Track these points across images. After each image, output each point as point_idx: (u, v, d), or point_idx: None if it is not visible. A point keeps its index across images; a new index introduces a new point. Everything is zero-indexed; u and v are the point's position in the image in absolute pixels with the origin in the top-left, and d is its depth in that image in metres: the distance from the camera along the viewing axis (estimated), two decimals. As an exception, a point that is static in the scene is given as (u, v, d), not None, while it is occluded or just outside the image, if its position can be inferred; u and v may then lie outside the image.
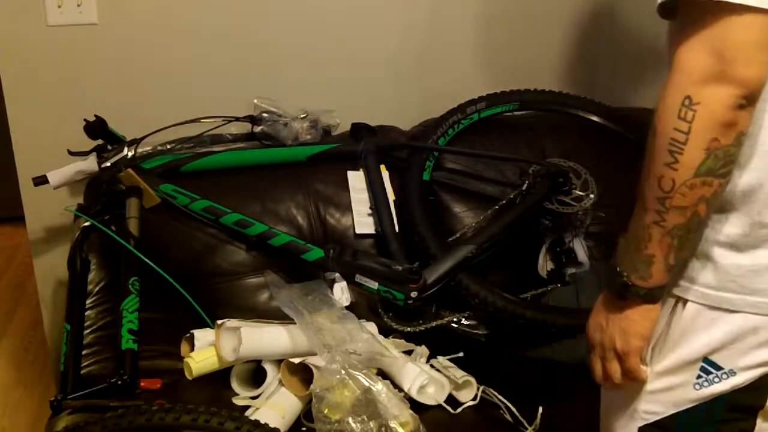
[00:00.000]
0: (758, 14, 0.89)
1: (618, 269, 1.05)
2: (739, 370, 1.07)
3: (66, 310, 1.64)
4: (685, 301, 1.07)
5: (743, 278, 1.04)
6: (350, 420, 1.40)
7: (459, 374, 1.65)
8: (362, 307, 1.77)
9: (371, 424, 1.41)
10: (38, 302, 2.13)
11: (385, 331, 1.73)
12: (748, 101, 0.92)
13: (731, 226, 1.03)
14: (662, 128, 0.94)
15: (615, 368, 1.10)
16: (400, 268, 1.67)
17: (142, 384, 1.46)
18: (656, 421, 1.12)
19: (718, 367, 1.07)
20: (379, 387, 1.46)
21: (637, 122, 2.04)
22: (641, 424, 1.14)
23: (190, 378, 1.57)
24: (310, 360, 1.52)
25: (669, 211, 0.97)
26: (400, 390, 1.56)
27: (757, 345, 1.05)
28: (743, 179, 1.01)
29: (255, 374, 1.61)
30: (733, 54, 0.89)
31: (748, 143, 0.98)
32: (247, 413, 1.47)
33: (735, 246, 1.04)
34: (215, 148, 1.91)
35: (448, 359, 1.72)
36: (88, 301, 1.71)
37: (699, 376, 1.08)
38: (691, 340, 1.08)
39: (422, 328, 1.72)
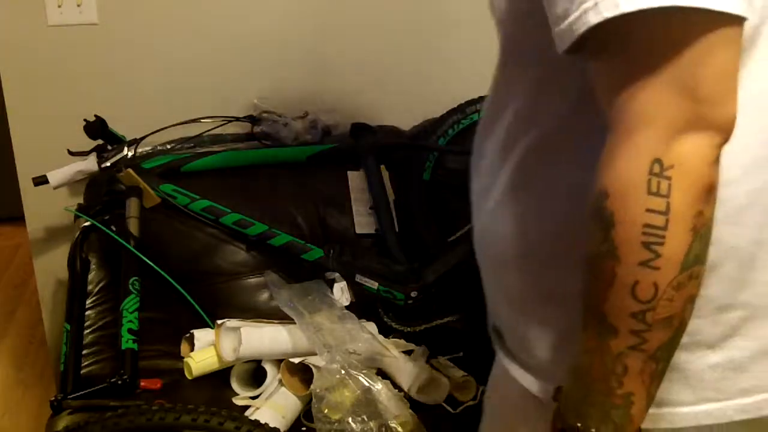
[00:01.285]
0: (735, 26, 0.64)
1: (579, 426, 0.74)
2: None
3: (66, 310, 1.64)
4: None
5: (723, 381, 0.80)
6: (350, 420, 1.41)
7: (459, 374, 1.65)
8: (362, 307, 1.77)
9: (371, 424, 1.41)
10: (38, 302, 2.13)
11: (385, 331, 1.73)
12: (720, 151, 0.67)
13: (693, 318, 0.75)
14: (627, 214, 0.65)
15: None
16: (400, 268, 1.67)
17: (142, 384, 1.47)
18: None
19: None
20: (379, 387, 1.46)
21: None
22: None
23: (190, 378, 1.57)
24: (310, 360, 1.52)
25: (652, 328, 0.68)
26: (400, 390, 1.56)
27: None
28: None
29: (255, 374, 1.61)
30: (709, 88, 0.64)
31: None
32: (247, 413, 1.47)
33: (702, 343, 0.79)
34: (215, 148, 1.91)
35: (448, 359, 1.72)
36: (88, 301, 1.71)
37: None
38: None
39: (422, 328, 1.72)
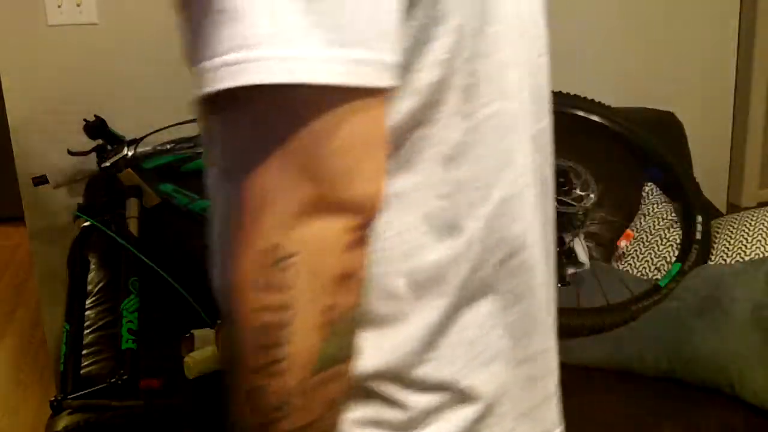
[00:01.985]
0: (373, 96, 0.55)
1: None
2: None
3: (66, 310, 1.64)
4: None
5: None
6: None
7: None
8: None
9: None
10: (38, 302, 2.13)
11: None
12: (368, 231, 0.57)
13: (377, 404, 0.66)
14: (244, 314, 0.56)
15: None
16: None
17: (142, 384, 1.47)
18: None
19: None
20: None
21: (638, 122, 2.05)
22: None
23: (190, 378, 1.57)
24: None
25: None
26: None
27: None
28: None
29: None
30: (335, 167, 0.54)
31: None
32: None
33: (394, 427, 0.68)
34: (215, 148, 1.91)
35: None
36: (88, 301, 1.71)
37: None
38: None
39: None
